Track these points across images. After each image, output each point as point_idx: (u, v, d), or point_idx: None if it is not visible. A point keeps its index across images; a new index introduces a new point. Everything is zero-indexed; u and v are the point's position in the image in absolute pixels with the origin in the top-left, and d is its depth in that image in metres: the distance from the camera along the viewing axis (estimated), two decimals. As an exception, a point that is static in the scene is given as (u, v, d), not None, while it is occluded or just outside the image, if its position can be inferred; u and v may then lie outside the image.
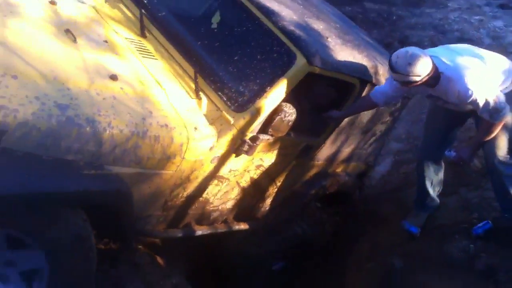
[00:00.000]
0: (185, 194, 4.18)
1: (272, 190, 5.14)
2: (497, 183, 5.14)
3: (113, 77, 3.64)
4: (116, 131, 3.34)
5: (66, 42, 3.72)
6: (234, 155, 4.22)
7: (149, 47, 4.35)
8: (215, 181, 4.36)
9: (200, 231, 4.64)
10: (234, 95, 4.16)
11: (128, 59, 4.02)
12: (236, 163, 4.38)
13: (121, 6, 4.65)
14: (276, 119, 4.12)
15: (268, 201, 5.22)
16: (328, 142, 5.11)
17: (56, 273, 3.32)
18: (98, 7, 4.44)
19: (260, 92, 4.16)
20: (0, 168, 2.84)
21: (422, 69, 4.23)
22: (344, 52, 4.63)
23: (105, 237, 3.92)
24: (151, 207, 4.02)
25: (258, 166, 4.67)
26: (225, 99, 4.14)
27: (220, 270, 5.72)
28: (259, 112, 4.12)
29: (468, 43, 5.24)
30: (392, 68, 4.30)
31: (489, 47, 5.42)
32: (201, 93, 4.10)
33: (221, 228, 4.91)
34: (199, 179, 4.17)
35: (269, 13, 4.43)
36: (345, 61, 4.57)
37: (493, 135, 4.70)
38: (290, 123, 4.19)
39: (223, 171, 4.33)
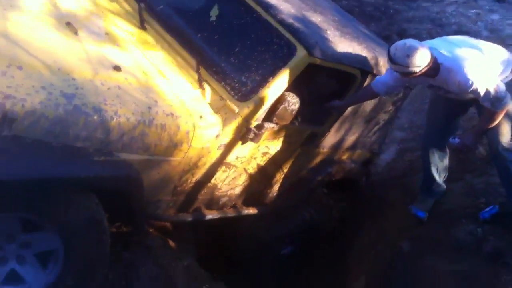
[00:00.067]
0: (193, 180, 4.26)
1: (279, 177, 5.21)
2: (502, 169, 5.18)
3: (117, 68, 3.72)
4: (123, 119, 3.42)
5: (68, 35, 3.79)
6: (240, 142, 4.30)
7: (150, 39, 4.41)
8: (223, 168, 4.44)
9: (210, 215, 4.71)
10: (237, 85, 4.23)
11: (130, 51, 4.09)
12: (243, 151, 4.45)
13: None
14: (280, 108, 4.18)
15: (276, 187, 5.30)
16: (333, 130, 5.18)
17: (70, 254, 3.40)
18: (97, 1, 4.49)
19: (263, 82, 4.22)
20: (12, 155, 2.91)
21: (421, 60, 4.26)
22: (343, 44, 4.68)
23: (117, 221, 3.97)
24: (161, 192, 4.10)
25: (264, 153, 4.74)
26: (228, 89, 4.21)
27: (230, 253, 5.79)
28: (263, 102, 4.19)
29: (467, 36, 5.25)
30: (391, 59, 4.33)
31: (487, 40, 5.43)
32: (204, 83, 4.16)
33: (230, 213, 4.99)
34: (207, 166, 4.24)
35: (268, 6, 4.49)
36: (345, 52, 4.63)
37: (495, 122, 4.73)
38: (294, 111, 4.25)
39: (230, 158, 4.40)
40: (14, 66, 3.12)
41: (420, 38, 7.57)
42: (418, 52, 4.23)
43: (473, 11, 9.23)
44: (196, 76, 4.16)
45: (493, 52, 4.70)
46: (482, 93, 4.41)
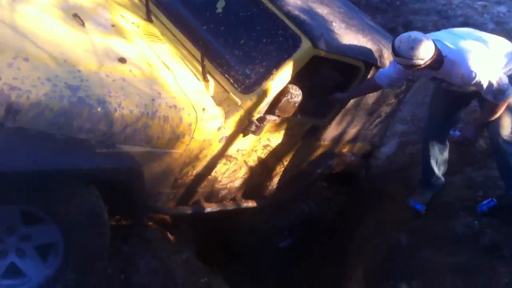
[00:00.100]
0: (194, 172, 4.29)
1: (279, 169, 5.23)
2: (501, 161, 5.20)
3: (122, 60, 3.75)
4: (126, 111, 3.45)
5: (75, 26, 3.82)
6: (241, 135, 4.33)
7: (155, 31, 4.44)
8: (224, 160, 4.47)
9: (209, 208, 4.75)
10: (241, 77, 4.26)
11: (135, 43, 4.12)
12: (244, 143, 4.48)
13: None
14: (283, 101, 4.21)
15: (276, 179, 5.32)
16: (334, 123, 5.19)
17: (70, 247, 3.43)
18: None
19: (267, 74, 4.25)
20: (15, 146, 2.94)
21: (425, 53, 4.27)
22: (349, 36, 4.69)
23: (117, 214, 4.00)
24: (162, 184, 4.13)
25: (265, 146, 4.77)
26: (232, 81, 4.24)
27: (229, 246, 5.83)
28: (266, 94, 4.21)
29: (472, 28, 5.27)
30: (396, 52, 4.34)
31: (493, 32, 5.44)
32: (208, 76, 4.19)
33: (229, 206, 5.02)
34: (208, 158, 4.27)
35: None
36: (350, 44, 4.64)
37: (497, 115, 4.75)
38: (296, 104, 4.27)
39: (231, 151, 4.43)
40: (20, 57, 3.14)
41: (426, 30, 7.61)
42: (422, 44, 4.25)
43: (480, 3, 9.18)
44: (200, 68, 4.18)
45: (498, 44, 4.70)
46: (485, 86, 4.42)
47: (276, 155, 4.97)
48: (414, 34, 4.37)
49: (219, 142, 4.20)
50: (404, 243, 5.23)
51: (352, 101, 5.15)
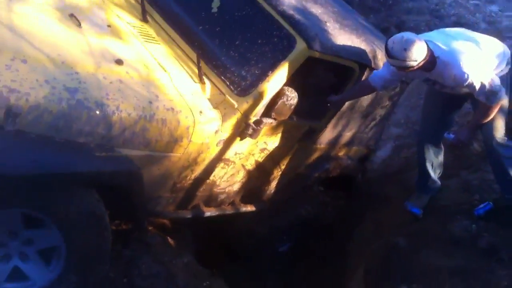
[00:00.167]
0: (193, 176, 4.26)
1: (277, 173, 5.22)
2: (496, 164, 5.18)
3: (119, 62, 3.73)
4: (124, 114, 3.43)
5: (71, 27, 3.79)
6: (239, 138, 4.31)
7: (151, 31, 4.42)
8: (221, 164, 4.44)
9: (209, 212, 4.73)
10: (237, 79, 4.23)
11: (131, 44, 4.09)
12: (241, 146, 4.45)
13: None
14: (279, 103, 4.18)
15: (273, 183, 5.31)
16: (330, 126, 5.18)
17: (73, 251, 3.41)
18: None
19: (262, 76, 4.23)
20: (15, 149, 2.91)
21: (418, 54, 4.26)
22: (343, 37, 4.68)
23: (117, 219, 3.97)
24: (161, 188, 4.11)
25: (262, 149, 4.75)
26: (228, 83, 4.21)
27: (228, 250, 5.81)
28: (262, 96, 4.19)
29: (464, 28, 5.27)
30: (389, 53, 4.33)
31: (485, 32, 5.44)
32: (204, 77, 4.16)
33: (228, 210, 5.01)
34: (206, 162, 4.24)
35: None
36: (344, 45, 4.62)
37: (490, 117, 4.74)
38: (293, 106, 4.25)
39: (229, 154, 4.41)
40: (18, 59, 3.13)
41: (419, 30, 7.62)
42: (415, 45, 4.23)
43: (472, 2, 9.18)
44: (196, 70, 4.16)
45: (489, 45, 4.70)
46: (477, 87, 4.42)
47: (273, 158, 4.96)
48: (407, 35, 4.36)
49: (216, 145, 4.17)
50: (402, 246, 5.23)
51: (347, 104, 5.13)
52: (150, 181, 3.77)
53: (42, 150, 3.02)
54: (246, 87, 4.20)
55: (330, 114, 5.08)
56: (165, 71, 4.02)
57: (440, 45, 4.49)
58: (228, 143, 4.27)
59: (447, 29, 5.04)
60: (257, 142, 4.57)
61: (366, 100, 5.38)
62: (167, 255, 4.38)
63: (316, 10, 4.80)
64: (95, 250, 3.52)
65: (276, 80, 4.23)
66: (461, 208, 5.47)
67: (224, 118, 4.10)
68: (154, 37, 4.34)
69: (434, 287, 4.77)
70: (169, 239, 4.68)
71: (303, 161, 5.38)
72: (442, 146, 5.52)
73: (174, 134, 3.75)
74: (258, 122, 4.23)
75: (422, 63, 4.31)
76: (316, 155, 5.44)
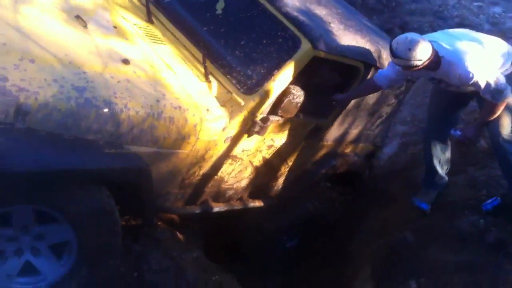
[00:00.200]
0: (201, 172, 4.31)
1: (284, 169, 5.25)
2: (503, 161, 5.20)
3: (125, 61, 3.78)
4: (132, 112, 3.47)
5: (77, 28, 3.85)
6: (246, 135, 4.35)
7: (157, 32, 4.47)
8: (229, 161, 4.48)
9: (217, 208, 4.77)
10: (243, 78, 4.28)
11: (137, 44, 4.15)
12: (248, 143, 4.49)
13: None
14: (285, 101, 4.22)
15: (281, 179, 5.35)
16: (336, 123, 5.21)
17: (83, 245, 3.45)
18: None
19: (268, 75, 4.27)
20: (25, 147, 2.96)
21: (422, 53, 4.30)
22: (347, 37, 4.72)
23: (126, 214, 4.01)
24: (169, 185, 4.15)
25: (269, 146, 4.78)
26: (234, 82, 4.26)
27: (236, 246, 5.83)
28: (268, 95, 4.24)
29: (468, 29, 5.29)
30: (393, 53, 4.37)
31: (488, 33, 5.46)
32: (210, 77, 4.21)
33: (236, 205, 5.05)
34: (214, 159, 4.29)
35: None
36: (348, 45, 4.67)
37: (496, 115, 4.76)
38: (299, 104, 4.29)
39: (236, 151, 4.45)
40: (26, 59, 3.17)
41: (422, 31, 7.61)
42: (419, 45, 4.27)
43: (476, 3, 9.19)
44: (202, 69, 4.20)
45: (493, 45, 4.73)
46: (482, 86, 4.45)
47: (280, 155, 4.99)
48: (411, 35, 4.41)
49: (224, 142, 4.22)
50: (410, 242, 5.25)
51: (353, 102, 5.16)
52: (159, 177, 3.82)
53: (52, 148, 3.06)
54: (253, 85, 4.24)
55: (336, 112, 5.12)
56: (172, 70, 4.07)
57: (444, 45, 4.52)
58: (235, 140, 4.31)
59: (451, 30, 5.08)
60: (264, 139, 4.61)
61: (372, 98, 5.41)
62: (176, 250, 4.42)
63: (320, 11, 4.84)
64: (105, 245, 3.56)
65: (282, 79, 4.26)
66: (468, 203, 5.49)
67: (231, 115, 4.14)
68: (159, 38, 4.39)
69: (442, 283, 4.78)
70: (178, 234, 4.72)
71: (310, 158, 5.42)
72: (449, 143, 5.54)
73: (181, 131, 3.79)
74: (265, 120, 4.28)
75: (426, 62, 4.35)
76: (323, 152, 5.47)
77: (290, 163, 5.22)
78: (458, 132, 5.25)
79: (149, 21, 4.53)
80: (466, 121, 6.26)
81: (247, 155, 4.62)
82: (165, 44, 4.36)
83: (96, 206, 3.35)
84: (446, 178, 5.66)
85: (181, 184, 4.23)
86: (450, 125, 5.41)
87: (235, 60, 4.37)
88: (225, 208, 4.88)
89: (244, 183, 4.94)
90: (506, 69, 4.74)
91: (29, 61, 3.17)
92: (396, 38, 4.40)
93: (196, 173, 4.27)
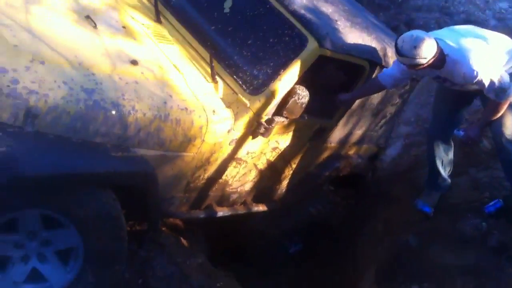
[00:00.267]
0: (205, 176, 4.29)
1: (288, 172, 5.24)
2: (506, 162, 5.18)
3: (134, 62, 3.76)
4: (140, 115, 3.45)
5: (87, 28, 3.82)
6: (251, 137, 4.33)
7: (165, 32, 4.45)
8: (234, 163, 4.47)
9: (221, 212, 4.75)
10: (249, 78, 4.26)
11: (146, 44, 4.12)
12: (253, 145, 4.48)
13: None
14: (290, 102, 4.20)
15: (284, 183, 5.33)
16: (340, 124, 5.20)
17: (90, 251, 3.44)
18: None
19: (274, 75, 4.25)
20: (34, 150, 2.95)
21: (427, 51, 4.29)
22: (353, 35, 4.70)
23: (131, 219, 3.99)
24: (174, 189, 4.13)
25: (274, 148, 4.76)
26: (240, 83, 4.23)
27: (240, 250, 5.82)
28: (274, 95, 4.21)
29: (474, 25, 5.27)
30: (398, 51, 4.36)
31: (494, 29, 5.46)
32: (217, 77, 4.19)
33: (240, 210, 5.02)
34: (219, 161, 4.27)
35: None
36: (355, 43, 4.64)
37: (499, 114, 4.76)
38: (304, 105, 4.26)
39: (241, 153, 4.43)
40: (36, 61, 3.16)
41: (428, 27, 7.57)
42: (424, 43, 4.26)
43: (482, -2, 9.18)
44: (209, 70, 4.18)
45: (499, 42, 4.70)
46: (486, 84, 4.44)
47: (284, 157, 4.97)
48: (416, 33, 4.39)
49: (229, 144, 4.20)
50: (413, 245, 5.25)
51: (357, 102, 5.15)
52: (164, 181, 3.80)
53: (60, 151, 3.06)
54: (258, 86, 4.22)
55: (341, 112, 5.10)
56: (179, 71, 4.04)
57: (449, 43, 4.51)
58: (240, 142, 4.30)
59: (457, 26, 5.06)
60: (268, 141, 4.59)
61: (376, 98, 5.39)
62: (181, 256, 4.42)
63: (327, 9, 4.81)
64: (112, 250, 3.55)
65: (288, 79, 4.25)
66: (471, 206, 5.48)
67: (236, 117, 4.12)
68: (167, 38, 4.37)
69: (445, 286, 4.79)
70: (182, 240, 4.71)
71: (314, 160, 5.40)
72: (452, 143, 5.53)
73: (187, 134, 3.77)
74: (270, 121, 4.26)
75: (431, 60, 4.34)
76: (326, 154, 5.46)
77: (294, 166, 5.20)
78: (461, 132, 5.24)
79: (158, 20, 4.51)
80: (469, 121, 6.23)
81: (252, 158, 4.60)
82: (173, 44, 4.33)
83: (102, 210, 3.34)
84: (449, 180, 5.65)
85: (186, 188, 4.21)
86: (454, 125, 5.39)
87: (242, 60, 4.34)
88: (229, 213, 4.87)
89: (248, 186, 4.93)
90: (511, 67, 4.72)
91: (40, 63, 3.16)
92: (401, 36, 4.38)
93: (201, 177, 4.26)
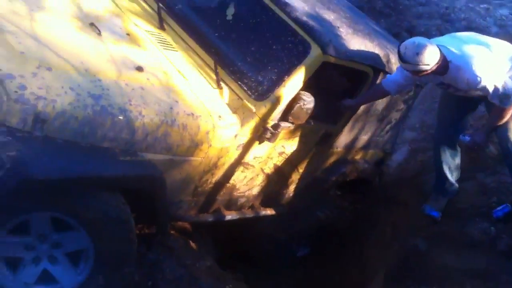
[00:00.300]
0: (213, 180, 4.31)
1: (295, 177, 5.25)
2: (512, 166, 5.20)
3: (139, 69, 3.79)
4: (147, 120, 3.49)
5: (92, 35, 3.87)
6: (257, 142, 4.35)
7: (169, 39, 4.48)
8: (241, 168, 4.48)
9: (229, 216, 4.76)
10: (254, 84, 4.29)
11: (150, 51, 4.16)
12: (260, 150, 4.50)
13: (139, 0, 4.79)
14: (296, 107, 4.23)
15: (292, 187, 5.34)
16: (346, 129, 5.21)
17: (100, 253, 3.47)
18: (117, 1, 4.57)
19: (279, 81, 4.28)
20: (44, 155, 2.97)
21: (430, 58, 4.32)
22: (356, 41, 4.73)
23: (140, 223, 4.02)
24: (182, 192, 4.15)
25: (280, 153, 4.78)
26: (245, 89, 4.26)
27: (247, 253, 5.84)
28: (279, 101, 4.24)
29: (475, 32, 5.29)
30: (401, 58, 4.39)
31: (496, 36, 5.48)
32: (222, 83, 4.22)
33: (248, 214, 5.04)
34: (226, 166, 4.30)
35: (282, 4, 4.54)
36: (358, 50, 4.68)
37: (504, 119, 4.78)
38: (309, 110, 4.29)
39: (248, 158, 4.45)
40: (43, 67, 3.19)
41: (430, 34, 7.61)
42: (427, 49, 4.29)
43: (483, 5, 9.13)
44: (214, 76, 4.22)
45: (501, 48, 4.73)
46: (490, 90, 4.47)
47: (291, 162, 4.99)
48: (419, 39, 4.44)
49: (236, 149, 4.23)
50: (421, 249, 5.26)
51: (362, 107, 5.16)
52: (172, 185, 3.82)
53: (69, 155, 3.08)
54: (263, 92, 4.25)
55: (346, 117, 5.12)
56: (184, 77, 4.08)
57: (452, 49, 4.54)
58: (247, 147, 4.32)
59: (459, 33, 5.10)
60: (275, 146, 4.60)
61: (381, 103, 5.41)
62: (190, 259, 4.43)
63: (329, 16, 4.85)
64: (121, 252, 3.57)
65: (292, 85, 4.28)
66: (479, 210, 5.49)
67: (242, 122, 4.15)
68: (171, 45, 4.40)
69: (454, 290, 4.79)
70: (191, 243, 4.72)
71: (320, 165, 5.41)
72: (459, 148, 5.54)
73: (194, 138, 3.80)
74: (275, 126, 4.28)
75: (434, 67, 4.38)
76: (333, 158, 5.47)
77: (301, 170, 5.21)
78: (467, 138, 5.25)
79: (161, 28, 4.54)
80: (474, 126, 6.24)
81: (259, 162, 4.62)
82: (177, 50, 4.37)
83: (112, 213, 3.37)
84: (457, 185, 5.66)
85: (194, 192, 4.24)
86: (459, 130, 5.40)
87: (246, 66, 4.38)
88: (237, 216, 4.88)
89: (255, 190, 4.94)
90: (514, 72, 4.74)
91: (46, 69, 3.20)
92: (404, 43, 4.42)
93: (209, 181, 4.28)
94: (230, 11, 4.69)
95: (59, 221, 3.29)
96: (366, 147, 5.77)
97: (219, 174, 4.30)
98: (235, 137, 4.11)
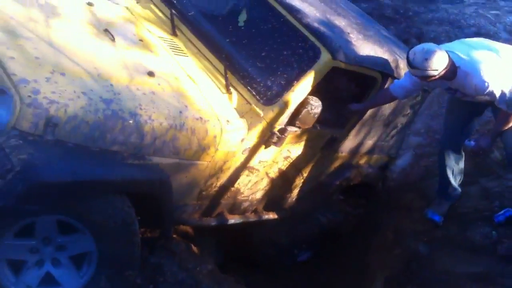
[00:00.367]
0: (218, 184, 4.36)
1: (299, 181, 5.27)
2: (517, 172, 5.25)
3: (151, 74, 3.85)
4: (156, 124, 3.54)
5: (105, 41, 3.94)
6: (263, 146, 4.40)
7: (180, 45, 4.54)
8: (246, 172, 4.53)
9: (233, 220, 4.81)
10: (263, 89, 4.33)
11: (162, 57, 4.23)
12: (265, 154, 4.53)
13: (152, 6, 4.87)
14: (303, 112, 4.26)
15: (295, 191, 5.36)
16: (352, 134, 5.24)
17: (103, 256, 3.51)
18: (131, 8, 4.66)
19: (288, 86, 4.32)
20: (54, 158, 3.03)
21: (438, 63, 4.35)
22: (366, 47, 4.77)
23: (143, 226, 3.98)
24: (188, 196, 4.20)
25: (286, 157, 4.82)
26: (254, 93, 4.30)
27: (249, 257, 5.87)
28: (287, 105, 4.28)
29: (484, 38, 5.32)
30: (410, 63, 4.43)
31: (505, 42, 5.49)
32: (231, 88, 4.28)
33: (251, 218, 5.08)
34: (231, 170, 4.34)
35: (293, 10, 4.59)
36: (367, 55, 4.71)
37: (510, 124, 4.81)
38: (316, 115, 4.33)
39: (253, 162, 4.49)
40: (57, 72, 3.26)
41: (439, 40, 7.60)
42: (436, 55, 4.33)
43: (493, 12, 9.09)
44: (223, 81, 4.28)
45: (510, 54, 4.73)
46: (497, 96, 4.50)
47: (296, 166, 5.02)
48: (428, 45, 4.47)
49: (242, 153, 4.27)
50: (423, 253, 5.28)
51: (369, 112, 5.19)
52: (178, 189, 3.86)
53: (79, 159, 3.13)
54: (272, 96, 4.29)
55: (352, 122, 5.15)
56: (194, 82, 4.14)
57: (460, 55, 4.56)
58: (253, 151, 4.36)
59: (468, 39, 5.11)
60: (281, 150, 4.64)
61: (388, 108, 5.44)
62: (192, 262, 4.44)
63: (340, 22, 4.89)
64: (125, 255, 3.61)
65: (301, 90, 4.32)
66: (481, 215, 5.52)
67: (250, 126, 4.19)
68: (183, 50, 4.47)
69: (455, 294, 4.82)
70: (193, 247, 4.73)
71: (325, 169, 5.43)
72: (463, 153, 5.57)
73: (202, 143, 3.85)
74: (282, 131, 4.32)
75: (443, 72, 4.40)
76: (337, 163, 5.49)
77: (305, 175, 5.24)
78: (472, 143, 5.29)
79: (173, 34, 4.61)
80: (480, 131, 6.27)
81: (264, 166, 4.66)
82: (188, 56, 4.43)
83: (118, 216, 3.41)
84: (459, 189, 5.69)
85: (199, 195, 4.28)
86: (465, 136, 5.45)
87: (256, 71, 4.42)
88: (240, 220, 4.92)
89: (259, 194, 4.97)
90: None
91: (60, 74, 3.26)
92: (413, 49, 4.46)
93: (214, 185, 4.32)
94: (242, 18, 4.73)
95: (64, 224, 3.33)
96: (371, 151, 5.80)
97: (224, 178, 4.35)
98: (241, 141, 4.16)
